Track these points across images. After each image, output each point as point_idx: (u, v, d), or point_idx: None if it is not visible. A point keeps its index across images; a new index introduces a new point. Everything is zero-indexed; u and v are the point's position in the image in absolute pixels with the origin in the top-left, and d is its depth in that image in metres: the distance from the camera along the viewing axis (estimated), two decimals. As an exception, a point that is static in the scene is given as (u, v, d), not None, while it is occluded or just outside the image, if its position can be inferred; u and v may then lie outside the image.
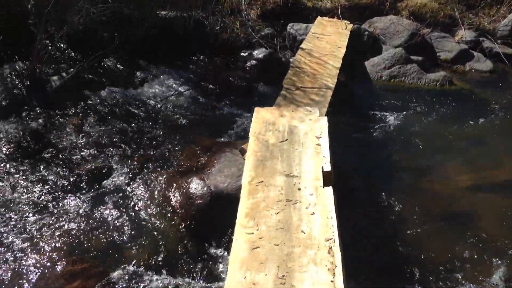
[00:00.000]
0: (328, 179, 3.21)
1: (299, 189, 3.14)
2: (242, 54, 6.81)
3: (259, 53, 6.65)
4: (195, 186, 3.79)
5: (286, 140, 3.65)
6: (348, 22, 7.06)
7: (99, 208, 3.80)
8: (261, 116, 4.07)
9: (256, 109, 4.21)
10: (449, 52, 6.69)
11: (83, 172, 4.22)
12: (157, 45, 6.60)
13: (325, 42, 6.26)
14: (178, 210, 3.72)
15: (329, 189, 3.11)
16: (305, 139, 3.67)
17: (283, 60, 6.69)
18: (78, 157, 4.41)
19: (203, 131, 5.01)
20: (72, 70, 5.32)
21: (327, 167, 3.26)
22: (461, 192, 4.32)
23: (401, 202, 4.07)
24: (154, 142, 4.71)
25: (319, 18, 7.09)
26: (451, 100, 5.79)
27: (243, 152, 3.88)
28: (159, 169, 4.25)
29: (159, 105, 5.43)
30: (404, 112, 5.56)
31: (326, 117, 3.99)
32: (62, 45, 6.19)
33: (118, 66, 6.16)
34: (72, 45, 6.30)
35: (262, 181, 3.22)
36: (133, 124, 4.99)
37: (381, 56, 6.40)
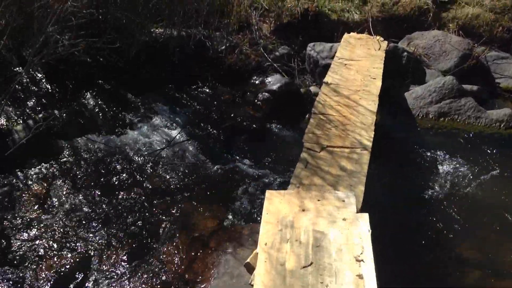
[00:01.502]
0: None
1: None
2: (253, 81, 5.71)
3: (273, 82, 5.53)
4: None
5: (311, 264, 2.55)
6: (382, 39, 5.86)
7: None
8: (274, 208, 2.98)
9: (267, 194, 3.11)
10: (511, 78, 5.44)
11: (43, 276, 3.20)
12: (148, 73, 5.54)
13: (355, 71, 5.09)
14: None
15: None
16: (339, 261, 2.55)
17: (302, 91, 5.54)
18: (38, 253, 3.38)
19: (201, 201, 3.95)
20: (40, 124, 4.26)
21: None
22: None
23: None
24: (137, 225, 3.66)
25: (346, 35, 5.90)
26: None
27: (249, 268, 2.78)
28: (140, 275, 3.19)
29: (148, 163, 4.38)
30: (460, 166, 4.41)
31: (367, 216, 2.86)
32: (36, 77, 5.20)
33: (100, 103, 5.13)
34: (47, 79, 5.30)
35: None
36: (113, 194, 3.97)
37: (426, 86, 5.21)
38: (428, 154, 4.57)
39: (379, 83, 4.87)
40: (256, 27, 6.41)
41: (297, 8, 6.33)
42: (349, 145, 3.85)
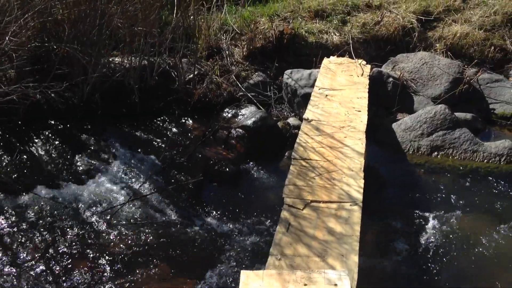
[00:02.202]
0: None
1: None
2: (225, 115, 5.17)
3: (247, 115, 5.01)
4: None
5: None
6: (364, 63, 5.43)
7: None
8: (250, 298, 2.44)
9: (242, 276, 2.60)
10: (507, 104, 5.04)
11: None
12: (106, 110, 4.96)
13: (338, 103, 4.62)
14: None
15: None
16: None
17: (280, 125, 5.03)
18: None
19: (163, 272, 3.39)
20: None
21: None
22: None
23: None
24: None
25: (325, 60, 5.44)
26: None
27: None
28: None
29: (104, 222, 3.80)
30: (457, 212, 3.95)
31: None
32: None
33: (49, 148, 4.56)
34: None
35: None
36: (62, 262, 3.37)
37: (415, 116, 4.76)
38: (421, 197, 4.12)
39: (365, 116, 4.41)
40: (227, 52, 5.91)
41: (271, 31, 5.84)
42: (336, 199, 3.36)
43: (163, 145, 4.74)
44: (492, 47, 5.48)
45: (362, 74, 5.21)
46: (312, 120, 4.31)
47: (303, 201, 3.32)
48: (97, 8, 4.43)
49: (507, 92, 5.11)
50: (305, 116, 4.38)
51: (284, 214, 3.22)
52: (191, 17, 5.83)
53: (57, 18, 4.59)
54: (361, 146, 3.95)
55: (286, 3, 6.43)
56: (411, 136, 4.66)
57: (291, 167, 3.69)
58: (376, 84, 5.20)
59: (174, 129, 5.01)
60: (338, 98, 4.71)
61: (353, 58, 5.61)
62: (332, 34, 5.85)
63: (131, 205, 3.96)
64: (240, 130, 4.84)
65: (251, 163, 4.61)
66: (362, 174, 3.59)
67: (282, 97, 5.55)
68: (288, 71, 5.38)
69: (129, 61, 5.24)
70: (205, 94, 5.34)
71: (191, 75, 5.56)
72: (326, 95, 4.75)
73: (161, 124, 5.07)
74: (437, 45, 5.67)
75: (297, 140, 4.02)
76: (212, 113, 5.27)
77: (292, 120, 5.21)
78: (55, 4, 4.38)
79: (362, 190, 3.41)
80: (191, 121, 5.14)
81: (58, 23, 4.73)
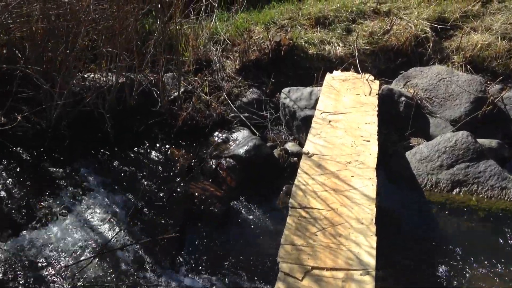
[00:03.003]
0: None
1: None
2: (214, 140, 4.58)
3: (240, 142, 4.44)
4: None
5: None
6: (372, 78, 4.82)
7: None
8: None
9: None
10: (538, 128, 4.43)
11: None
12: (78, 137, 4.38)
13: (343, 131, 4.01)
14: None
15: None
16: None
17: (276, 153, 4.43)
18: None
19: None
20: None
21: None
22: None
23: None
24: None
25: (328, 77, 4.82)
26: None
27: None
28: None
29: (68, 279, 3.21)
30: (485, 268, 3.34)
31: None
32: None
33: (9, 183, 4.00)
34: None
35: None
36: None
37: (433, 144, 4.16)
38: (441, 247, 3.51)
39: (374, 148, 3.80)
40: (217, 65, 5.29)
41: (266, 41, 5.22)
42: (343, 265, 2.76)
43: (142, 179, 4.15)
44: (518, 59, 4.86)
45: (370, 93, 4.59)
46: (313, 154, 3.70)
47: (303, 268, 2.73)
48: (59, 26, 3.80)
49: (537, 113, 4.50)
50: (305, 149, 3.77)
51: (279, 286, 2.63)
52: (177, 26, 5.22)
53: (17, 36, 3.99)
54: (371, 189, 3.35)
55: (283, 9, 5.81)
56: (428, 168, 4.05)
57: (288, 219, 3.09)
58: (386, 104, 4.59)
59: (155, 158, 4.42)
60: (343, 124, 4.10)
61: (359, 73, 4.99)
62: (336, 44, 5.22)
63: (101, 260, 3.38)
64: (231, 161, 4.24)
65: (243, 200, 4.02)
66: (373, 229, 2.99)
67: (279, 117, 4.94)
68: (285, 90, 4.76)
69: (103, 80, 4.63)
70: (192, 116, 4.74)
71: (176, 93, 4.95)
72: (330, 121, 4.14)
73: (140, 152, 4.49)
74: (455, 57, 5.04)
75: (296, 182, 3.42)
76: (200, 137, 4.67)
77: (290, 146, 4.61)
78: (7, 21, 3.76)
79: (374, 252, 2.81)
80: (175, 148, 4.54)
81: (17, 41, 4.13)
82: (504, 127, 4.52)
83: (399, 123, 4.61)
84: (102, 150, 4.37)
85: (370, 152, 3.76)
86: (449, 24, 5.39)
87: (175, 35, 5.04)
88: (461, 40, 5.07)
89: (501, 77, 4.72)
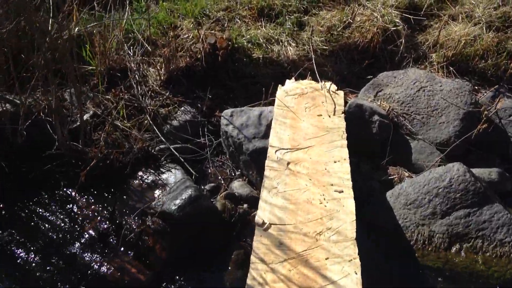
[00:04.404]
0: None
1: None
2: (136, 186, 3.50)
3: (171, 193, 3.40)
4: None
5: None
6: (334, 88, 3.82)
7: None
8: None
9: None
10: (542, 148, 3.60)
11: None
12: None
13: (307, 178, 3.03)
14: None
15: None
16: None
17: (219, 204, 3.37)
18: None
19: None
20: None
21: None
22: None
23: None
24: None
25: (280, 92, 3.77)
26: None
27: None
28: None
29: None
30: None
31: None
32: None
33: None
34: None
35: None
36: None
37: (419, 181, 3.25)
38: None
39: (351, 203, 2.85)
40: (137, 76, 4.07)
41: (198, 44, 4.03)
42: None
43: (30, 257, 2.98)
44: (510, 58, 3.95)
45: (334, 111, 3.58)
46: (270, 225, 2.65)
47: None
48: None
49: (539, 128, 3.65)
50: (257, 219, 2.71)
51: None
52: (76, 28, 3.92)
53: None
54: (355, 281, 2.37)
55: (217, -5, 4.59)
56: (418, 217, 3.13)
57: None
58: (356, 125, 3.60)
59: (53, 219, 3.25)
60: (306, 167, 3.08)
61: (318, 81, 3.94)
62: (286, 44, 4.12)
63: None
64: (160, 222, 3.14)
65: (179, 279, 2.95)
66: None
67: (221, 143, 3.85)
68: (227, 113, 3.64)
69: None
70: (105, 154, 3.54)
71: (86, 117, 3.74)
72: (288, 163, 3.09)
73: (33, 210, 3.29)
74: (433, 55, 4.08)
75: (248, 281, 2.37)
76: (116, 183, 3.51)
77: (238, 187, 3.56)
78: None
79: None
80: (82, 201, 3.37)
81: None
82: (500, 147, 3.66)
83: (372, 148, 3.65)
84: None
85: (346, 211, 2.77)
86: (422, 12, 4.39)
87: (74, 38, 3.76)
88: (439, 34, 4.10)
89: (495, 86, 3.80)
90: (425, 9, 4.41)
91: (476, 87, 3.90)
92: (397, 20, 4.21)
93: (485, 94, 3.85)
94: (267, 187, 2.93)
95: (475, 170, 3.38)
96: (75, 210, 3.33)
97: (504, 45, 4.03)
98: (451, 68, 3.96)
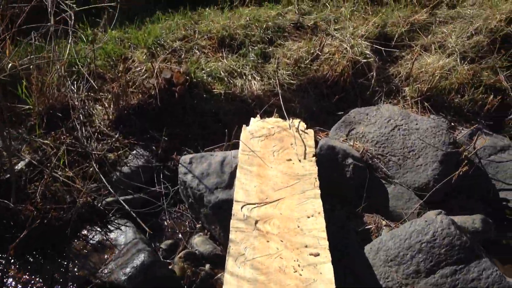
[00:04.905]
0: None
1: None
2: (81, 245, 3.01)
3: (120, 258, 2.95)
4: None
5: None
6: (304, 126, 3.50)
7: None
8: None
9: None
10: (524, 189, 3.37)
11: None
12: None
13: (278, 241, 2.67)
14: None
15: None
16: None
17: (177, 270, 2.95)
18: None
19: None
20: None
21: None
22: None
23: None
24: None
25: (245, 133, 3.43)
26: None
27: None
28: None
29: None
30: None
31: None
32: None
33: None
34: None
35: None
36: None
37: (401, 235, 2.97)
38: None
39: (328, 269, 2.49)
40: (81, 116, 3.61)
41: (152, 79, 3.62)
42: None
43: None
44: (486, 92, 3.74)
45: (304, 154, 3.25)
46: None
47: None
48: None
49: (519, 168, 3.43)
50: (222, 296, 2.32)
51: None
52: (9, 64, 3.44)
53: None
54: None
55: (173, 24, 4.20)
56: (400, 275, 2.82)
57: None
58: (327, 167, 3.28)
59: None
60: (276, 225, 2.72)
61: (285, 119, 3.61)
62: (250, 77, 3.76)
63: None
64: (106, 294, 2.69)
65: None
66: None
67: (179, 190, 3.44)
68: (185, 159, 3.24)
69: None
70: (44, 210, 3.06)
71: (17, 168, 3.25)
72: (256, 222, 2.72)
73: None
74: (407, 89, 3.82)
75: None
76: (56, 244, 3.04)
77: (199, 243, 3.18)
78: None
79: None
80: (14, 271, 2.88)
81: None
82: (480, 189, 3.42)
83: (346, 193, 3.33)
84: None
85: (324, 279, 2.42)
86: (393, 43, 4.15)
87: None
88: (412, 66, 3.85)
89: (474, 126, 3.55)
90: (396, 39, 4.18)
91: (453, 124, 3.67)
92: (368, 52, 3.94)
93: (462, 131, 3.61)
94: (233, 254, 2.53)
95: (458, 218, 3.12)
96: (4, 280, 2.83)
97: (479, 77, 3.83)
98: (426, 104, 3.72)
